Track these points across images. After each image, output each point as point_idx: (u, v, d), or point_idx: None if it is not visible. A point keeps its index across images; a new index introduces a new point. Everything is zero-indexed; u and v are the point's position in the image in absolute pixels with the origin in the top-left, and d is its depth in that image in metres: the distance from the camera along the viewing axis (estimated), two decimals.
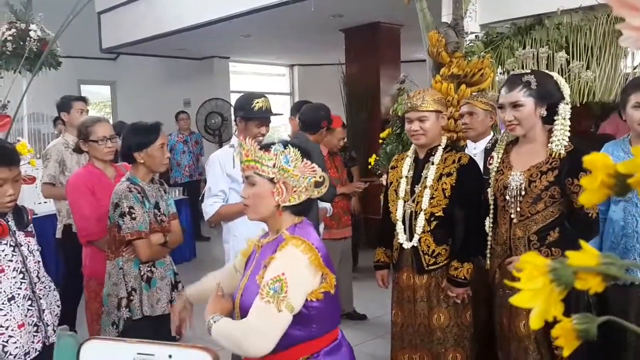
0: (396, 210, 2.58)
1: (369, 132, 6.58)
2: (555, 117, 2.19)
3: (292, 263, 1.56)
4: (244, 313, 1.60)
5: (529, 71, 2.29)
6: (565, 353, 0.56)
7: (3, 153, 2.02)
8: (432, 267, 2.50)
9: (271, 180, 1.63)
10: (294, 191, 1.63)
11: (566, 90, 2.22)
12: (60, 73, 5.40)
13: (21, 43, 5.11)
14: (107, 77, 9.32)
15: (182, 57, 9.27)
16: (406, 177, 2.59)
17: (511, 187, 2.26)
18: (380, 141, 3.96)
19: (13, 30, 5.14)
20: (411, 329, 2.55)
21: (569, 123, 2.19)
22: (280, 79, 10.97)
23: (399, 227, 2.57)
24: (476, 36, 3.73)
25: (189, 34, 7.13)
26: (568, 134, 2.18)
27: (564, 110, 2.19)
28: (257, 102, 2.97)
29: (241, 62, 10.12)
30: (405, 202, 2.56)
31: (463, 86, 3.10)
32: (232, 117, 8.47)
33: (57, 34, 3.94)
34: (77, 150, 3.20)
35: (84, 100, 4.15)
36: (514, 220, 2.26)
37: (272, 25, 6.85)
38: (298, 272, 1.55)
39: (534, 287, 0.47)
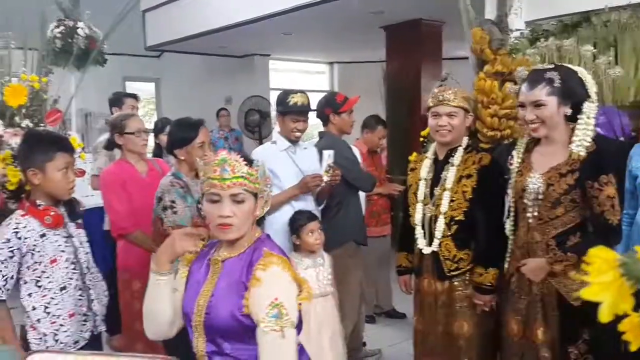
0: (415, 214, 2.51)
1: (409, 131, 6.53)
2: (579, 116, 2.08)
3: (280, 284, 1.55)
4: (214, 330, 1.57)
5: (551, 66, 2.17)
6: (634, 347, 0.55)
7: (65, 141, 2.12)
8: (454, 272, 2.42)
9: (255, 195, 1.62)
10: (265, 203, 1.66)
11: (592, 87, 2.10)
12: (106, 70, 5.53)
13: (69, 40, 5.25)
14: (151, 74, 9.51)
15: (223, 55, 9.38)
16: (425, 179, 2.52)
17: (529, 190, 2.17)
18: (421, 139, 3.93)
19: (62, 27, 5.28)
20: (433, 336, 2.48)
21: (593, 122, 2.08)
22: (320, 77, 10.98)
23: (418, 231, 2.50)
24: (521, 33, 3.66)
25: (230, 32, 7.21)
26: (591, 134, 2.07)
27: (589, 109, 2.08)
28: (293, 98, 3.01)
29: (281, 60, 10.17)
30: (424, 205, 2.49)
31: (507, 84, 3.05)
32: (272, 114, 8.57)
33: (106, 33, 4.05)
34: (109, 146, 3.28)
35: (135, 97, 4.28)
36: (532, 224, 2.18)
37: (312, 23, 6.87)
38: (287, 290, 1.55)
39: (603, 281, 0.46)
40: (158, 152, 4.27)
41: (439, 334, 2.46)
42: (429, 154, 2.57)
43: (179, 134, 2.65)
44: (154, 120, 6.56)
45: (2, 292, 2.04)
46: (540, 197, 2.14)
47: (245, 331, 1.54)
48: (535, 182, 2.16)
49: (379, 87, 7.04)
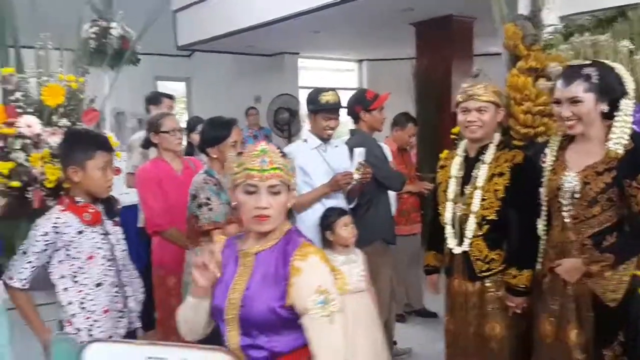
0: (445, 212, 2.47)
1: (439, 128, 6.48)
2: (616, 113, 2.04)
3: (321, 272, 1.57)
4: (249, 324, 1.58)
5: (588, 62, 2.12)
6: None
7: (104, 139, 2.17)
8: (485, 273, 2.37)
9: (289, 187, 1.63)
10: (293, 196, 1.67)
11: (630, 84, 2.06)
12: (138, 69, 5.60)
13: (103, 40, 5.35)
14: (182, 74, 9.62)
15: (252, 54, 9.44)
16: (455, 177, 2.48)
17: (564, 189, 2.13)
18: (452, 137, 3.90)
19: (95, 28, 5.38)
20: (464, 337, 2.45)
21: (630, 120, 2.03)
22: (349, 75, 10.97)
23: (448, 230, 2.46)
24: (555, 28, 3.60)
25: (260, 31, 7.25)
26: (628, 131, 2.03)
27: (626, 106, 2.04)
28: (325, 96, 3.02)
29: (310, 58, 10.19)
30: (454, 204, 2.45)
31: (540, 80, 3.00)
32: (301, 112, 8.61)
33: (139, 34, 4.11)
34: (145, 145, 3.34)
35: (172, 97, 4.37)
36: (567, 224, 2.13)
37: (341, 21, 6.86)
38: (329, 278, 1.57)
39: None
40: (190, 150, 4.33)
41: (471, 335, 2.42)
42: (460, 151, 2.53)
43: (212, 133, 2.68)
44: (185, 119, 6.65)
45: (27, 282, 2.10)
46: (576, 196, 2.10)
47: (282, 323, 1.56)
48: (570, 180, 2.12)
49: (409, 85, 6.99)
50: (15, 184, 2.26)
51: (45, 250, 2.10)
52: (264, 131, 8.10)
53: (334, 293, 1.55)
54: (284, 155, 1.64)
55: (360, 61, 10.82)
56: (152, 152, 3.56)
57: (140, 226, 3.96)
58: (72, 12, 3.50)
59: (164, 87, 9.12)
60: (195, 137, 3.87)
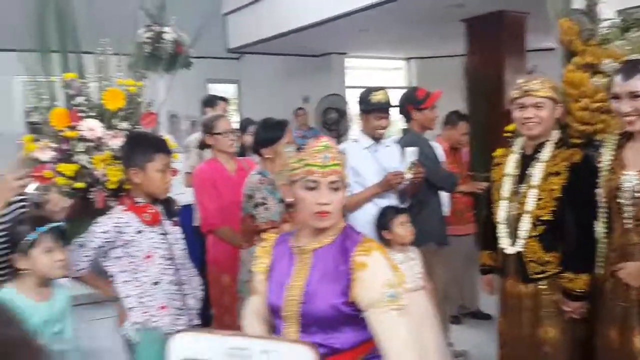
0: (499, 211, 2.41)
1: (491, 126, 6.35)
2: None
3: (387, 267, 1.57)
4: (310, 321, 1.58)
5: None
6: None
7: (163, 143, 2.24)
8: (539, 275, 2.30)
9: (344, 182, 1.64)
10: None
11: None
12: (190, 73, 5.74)
13: (156, 45, 5.50)
14: (232, 76, 9.78)
15: (301, 55, 9.51)
16: (510, 175, 2.41)
17: (624, 189, 2.05)
18: (507, 134, 3.82)
19: (149, 33, 5.54)
20: (517, 340, 2.39)
21: None
22: (397, 73, 10.89)
23: (502, 230, 2.40)
24: (612, 23, 3.48)
25: (307, 32, 7.30)
26: None
27: None
28: (376, 95, 3.03)
29: (358, 58, 10.18)
30: (509, 203, 2.39)
31: (596, 76, 2.91)
32: (349, 112, 8.62)
33: (193, 38, 4.22)
34: (201, 146, 3.42)
35: (226, 100, 4.48)
36: (629, 226, 2.05)
37: (389, 19, 6.83)
38: (391, 274, 1.57)
39: None
40: (241, 151, 4.40)
41: (524, 338, 2.36)
42: (516, 149, 2.48)
43: (267, 134, 2.73)
44: (236, 121, 6.76)
45: (85, 271, 2.21)
46: (637, 195, 2.02)
47: (343, 320, 1.56)
48: (630, 179, 2.04)
49: (459, 82, 6.89)
50: (80, 185, 2.36)
51: (103, 247, 2.18)
52: (313, 132, 8.14)
53: (401, 288, 1.55)
54: (339, 151, 1.65)
55: (409, 59, 10.73)
56: (208, 153, 3.65)
57: (196, 225, 4.06)
58: (127, 18, 3.63)
59: (215, 89, 9.29)
60: (247, 139, 3.94)
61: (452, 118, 4.34)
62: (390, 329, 1.52)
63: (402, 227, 2.84)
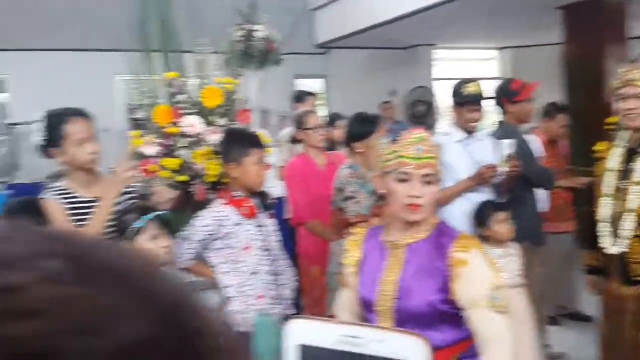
0: (600, 208, 2.30)
1: (591, 118, 6.02)
2: None
3: (488, 265, 1.53)
4: (405, 316, 1.55)
5: None
6: None
7: (258, 138, 2.32)
8: None
9: (438, 176, 1.60)
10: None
11: None
12: (279, 68, 5.86)
13: (248, 43, 5.65)
14: (319, 71, 9.87)
15: (388, 48, 9.44)
16: (613, 170, 2.29)
17: None
18: (608, 127, 3.61)
19: (241, 31, 5.70)
20: (619, 344, 2.27)
21: None
22: (489, 64, 10.56)
23: (603, 229, 2.28)
24: None
25: (394, 25, 7.24)
26: None
27: None
28: (468, 87, 2.95)
29: (446, 49, 9.96)
30: (612, 199, 2.27)
31: None
32: (436, 104, 8.46)
33: (285, 35, 4.30)
34: (293, 140, 3.49)
35: (314, 95, 4.56)
36: None
37: (480, 8, 6.63)
38: (492, 273, 1.53)
39: None
40: (330, 145, 4.45)
41: (626, 343, 2.25)
42: (620, 142, 2.34)
43: (359, 128, 2.74)
44: (323, 115, 6.82)
45: (191, 262, 2.31)
46: None
47: (440, 318, 1.55)
48: None
49: (556, 72, 6.58)
50: (182, 178, 2.48)
51: (205, 239, 2.28)
52: (400, 125, 8.05)
53: (504, 287, 1.52)
54: (435, 144, 1.63)
55: (501, 49, 10.36)
56: (299, 148, 3.71)
57: (287, 218, 4.15)
58: (222, 17, 3.75)
59: (302, 84, 9.42)
60: (336, 133, 3.96)
61: (550, 110, 4.15)
62: (490, 331, 1.49)
63: (501, 225, 2.75)
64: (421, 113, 8.55)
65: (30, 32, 7.09)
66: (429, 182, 1.56)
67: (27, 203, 2.50)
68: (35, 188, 4.85)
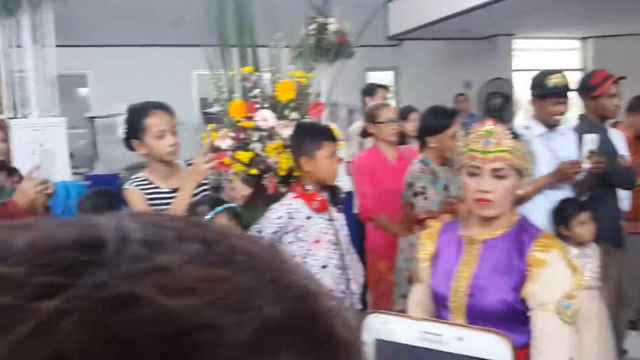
0: None
1: None
2: None
3: (567, 269, 1.46)
4: (478, 314, 1.51)
5: None
6: None
7: (330, 131, 2.33)
8: None
9: (519, 172, 1.52)
10: (527, 183, 1.56)
11: None
12: (349, 61, 5.83)
13: (320, 36, 5.66)
14: (390, 63, 9.76)
15: (462, 38, 9.21)
16: None
17: None
18: None
19: (314, 25, 5.71)
20: None
21: None
22: (571, 54, 10.09)
23: None
24: None
25: (473, 14, 7.05)
26: None
27: None
28: (552, 78, 2.82)
29: (526, 39, 9.60)
30: None
31: None
32: (515, 97, 8.18)
33: (362, 28, 4.28)
34: (363, 134, 3.45)
35: (386, 88, 4.50)
36: None
37: None
38: (570, 279, 1.46)
39: None
40: (401, 139, 4.39)
41: None
42: None
43: (434, 121, 2.69)
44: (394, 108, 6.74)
45: None
46: None
47: (514, 317, 1.50)
48: None
49: None
50: (254, 171, 2.52)
51: (277, 232, 2.30)
52: (474, 118, 7.84)
53: (579, 295, 1.46)
54: (515, 137, 1.55)
55: (585, 39, 9.88)
56: (369, 142, 3.68)
57: (355, 212, 4.14)
58: (295, 11, 3.77)
59: (373, 77, 9.35)
60: (408, 126, 3.91)
61: (635, 104, 3.90)
62: (550, 335, 1.44)
63: (583, 227, 2.63)
64: (497, 106, 8.29)
65: (110, 29, 7.41)
66: (500, 177, 1.51)
67: (104, 193, 2.62)
68: (112, 179, 5.09)
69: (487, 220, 1.57)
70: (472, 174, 1.54)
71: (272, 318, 0.25)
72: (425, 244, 1.72)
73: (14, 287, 0.23)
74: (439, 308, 1.64)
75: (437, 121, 2.68)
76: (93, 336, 0.22)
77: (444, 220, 2.66)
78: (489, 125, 1.56)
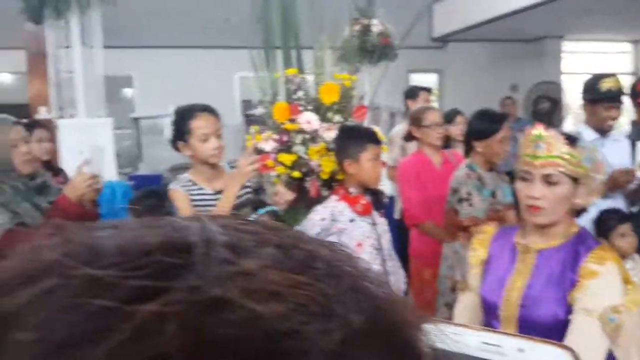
0: None
1: None
2: None
3: (620, 285, 1.40)
4: (530, 326, 1.44)
5: None
6: None
7: (374, 134, 2.30)
8: None
9: (575, 180, 1.44)
10: (591, 193, 1.45)
11: None
12: (391, 63, 5.77)
13: (364, 38, 5.61)
14: (434, 65, 9.64)
15: (510, 40, 9.02)
16: None
17: None
18: None
19: (358, 26, 5.67)
20: None
21: None
22: (622, 58, 9.76)
23: None
24: None
25: (521, 16, 6.90)
26: None
27: None
28: (606, 82, 2.71)
29: (576, 41, 9.33)
30: None
31: None
32: (564, 101, 7.95)
33: (407, 29, 4.22)
34: (407, 138, 3.39)
35: (429, 90, 4.41)
36: None
37: None
38: (621, 295, 1.40)
39: None
40: (446, 143, 4.30)
41: None
42: None
43: (481, 126, 2.61)
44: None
45: None
46: None
47: (566, 329, 1.44)
48: None
49: None
50: (297, 174, 2.49)
51: (320, 234, 2.27)
52: (521, 123, 7.65)
53: (626, 311, 1.38)
54: (571, 142, 1.48)
55: (637, 41, 9.55)
56: (411, 146, 3.62)
57: (396, 218, 4.08)
58: (338, 13, 3.73)
59: (416, 79, 9.25)
60: (454, 130, 3.82)
61: None
62: (586, 341, 1.36)
63: (623, 239, 2.53)
64: (545, 110, 8.06)
65: (154, 31, 7.55)
66: (551, 183, 1.46)
67: (153, 194, 2.64)
68: (156, 179, 5.16)
69: (544, 229, 1.52)
70: (523, 179, 1.51)
71: (356, 327, 0.25)
72: (477, 249, 1.68)
73: (108, 289, 0.23)
74: (489, 318, 1.59)
75: (485, 125, 2.60)
76: (194, 341, 0.22)
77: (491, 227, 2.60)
78: (539, 129, 1.51)
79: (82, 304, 0.23)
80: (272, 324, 0.23)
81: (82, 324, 0.22)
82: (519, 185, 1.52)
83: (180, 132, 2.23)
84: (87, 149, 2.22)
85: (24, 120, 2.93)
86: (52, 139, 2.98)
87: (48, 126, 3.15)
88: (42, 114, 4.17)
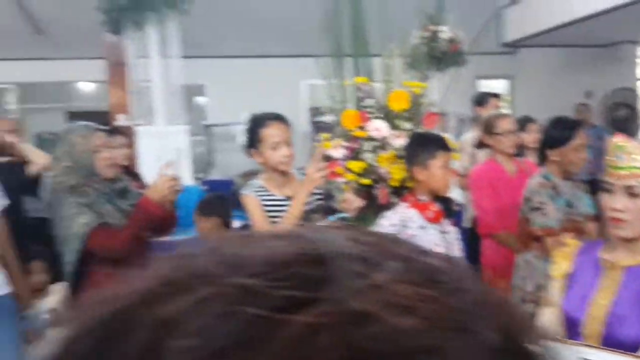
0: None
1: None
2: None
3: None
4: (616, 345, 1.37)
5: None
6: None
7: (444, 141, 2.28)
8: None
9: None
10: None
11: None
12: (460, 69, 5.68)
13: (432, 45, 5.56)
14: (504, 71, 9.42)
15: (583, 46, 8.70)
16: None
17: None
18: None
19: (426, 33, 5.63)
20: None
21: None
22: None
23: None
24: None
25: (594, 20, 6.66)
26: None
27: None
28: None
29: None
30: None
31: None
32: None
33: (477, 34, 4.14)
34: (479, 145, 3.32)
35: (498, 97, 4.32)
36: None
37: None
38: None
39: None
40: (519, 151, 4.19)
41: None
42: None
43: (555, 133, 2.54)
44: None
45: None
46: None
47: None
48: None
49: None
50: (366, 181, 2.50)
51: None
52: (597, 130, 7.35)
53: None
54: None
55: None
56: (482, 153, 3.55)
57: (465, 226, 4.00)
58: (407, 20, 3.72)
59: (485, 86, 9.05)
60: (526, 138, 3.72)
61: None
62: None
63: None
64: (623, 117, 7.73)
65: (225, 41, 7.76)
66: (635, 195, 1.41)
67: (218, 198, 2.71)
68: (227, 184, 5.30)
69: (630, 244, 1.47)
70: (607, 191, 1.46)
71: (493, 344, 0.24)
72: (560, 262, 1.63)
73: (259, 298, 0.24)
74: (570, 334, 1.54)
75: (559, 133, 2.53)
76: (346, 354, 0.22)
77: (565, 239, 2.51)
78: (619, 139, 1.46)
79: (237, 312, 0.23)
80: (414, 340, 0.23)
81: (239, 331, 0.23)
82: (603, 197, 1.48)
83: (253, 140, 2.29)
84: (167, 154, 2.32)
85: (105, 127, 3.09)
86: (131, 145, 3.11)
87: (127, 133, 3.29)
88: (121, 121, 4.38)
